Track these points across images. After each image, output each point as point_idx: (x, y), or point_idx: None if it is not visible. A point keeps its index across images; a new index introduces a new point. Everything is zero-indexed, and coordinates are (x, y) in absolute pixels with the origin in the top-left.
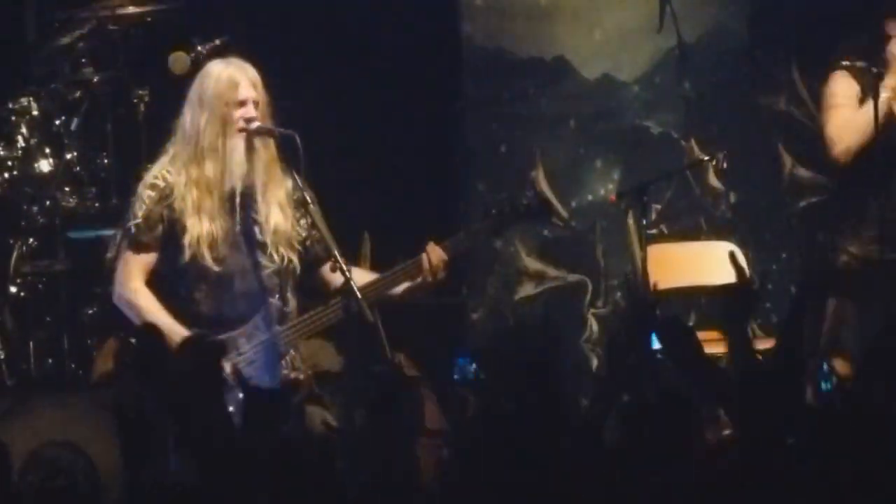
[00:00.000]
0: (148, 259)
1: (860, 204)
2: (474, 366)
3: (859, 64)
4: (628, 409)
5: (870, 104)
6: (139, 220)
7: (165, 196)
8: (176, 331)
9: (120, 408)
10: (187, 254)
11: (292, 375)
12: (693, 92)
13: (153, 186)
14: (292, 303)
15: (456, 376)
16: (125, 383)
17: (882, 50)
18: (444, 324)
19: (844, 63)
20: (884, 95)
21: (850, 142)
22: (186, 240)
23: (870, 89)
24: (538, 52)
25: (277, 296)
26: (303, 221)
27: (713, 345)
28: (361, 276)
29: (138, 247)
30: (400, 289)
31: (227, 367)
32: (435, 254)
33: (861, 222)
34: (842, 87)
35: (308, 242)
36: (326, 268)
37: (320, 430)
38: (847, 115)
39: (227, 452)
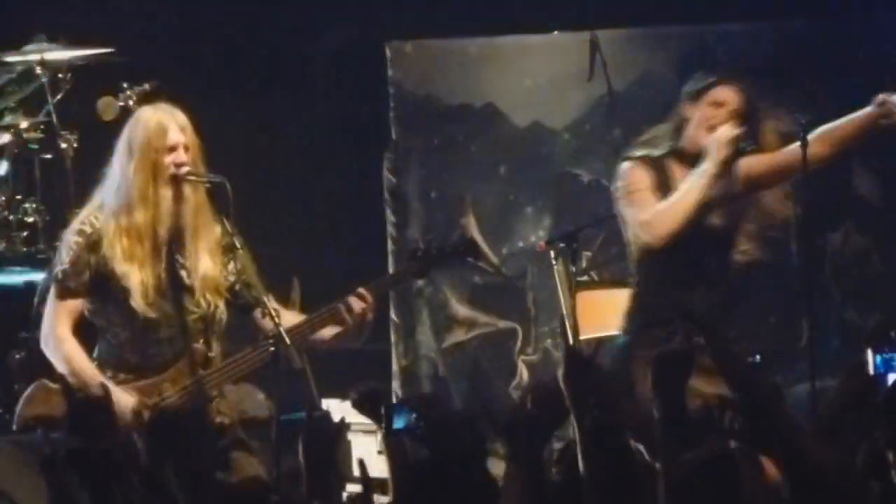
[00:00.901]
0: (75, 305)
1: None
2: (414, 415)
3: (648, 153)
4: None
5: (686, 187)
6: (66, 267)
7: (93, 242)
8: (97, 381)
9: (49, 460)
10: (115, 301)
11: (218, 420)
12: (623, 139)
13: (80, 233)
14: (217, 348)
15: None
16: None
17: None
18: (371, 370)
19: (634, 154)
20: (700, 180)
21: (668, 228)
22: (115, 288)
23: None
24: (468, 98)
25: (202, 340)
26: (231, 266)
27: None
28: (291, 319)
29: (65, 293)
30: (329, 334)
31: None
32: (360, 296)
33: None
34: (638, 177)
35: (237, 287)
36: (257, 313)
37: (247, 477)
38: (654, 202)
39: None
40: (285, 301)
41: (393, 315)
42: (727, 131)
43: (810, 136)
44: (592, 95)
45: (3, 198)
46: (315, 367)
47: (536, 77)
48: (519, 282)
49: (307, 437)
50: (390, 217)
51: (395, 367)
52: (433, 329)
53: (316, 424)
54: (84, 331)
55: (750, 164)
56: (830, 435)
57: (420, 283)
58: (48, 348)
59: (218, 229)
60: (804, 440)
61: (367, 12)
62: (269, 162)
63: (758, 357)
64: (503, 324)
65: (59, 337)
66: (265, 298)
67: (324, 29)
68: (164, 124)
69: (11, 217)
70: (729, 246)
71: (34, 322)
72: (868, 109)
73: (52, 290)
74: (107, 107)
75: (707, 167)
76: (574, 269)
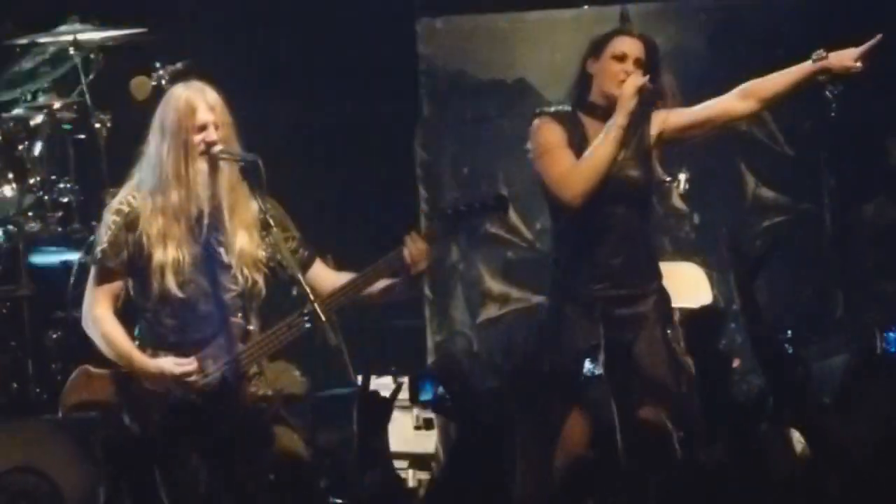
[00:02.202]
0: (114, 285)
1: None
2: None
3: (559, 108)
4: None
5: (598, 142)
6: (105, 247)
7: (131, 222)
8: (136, 357)
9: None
10: (153, 280)
11: (259, 393)
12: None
13: (118, 212)
14: (256, 323)
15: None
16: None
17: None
18: (405, 347)
19: (544, 109)
20: (610, 134)
21: (584, 187)
22: (153, 266)
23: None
24: (499, 74)
25: (241, 315)
26: (269, 241)
27: None
28: (341, 277)
29: (104, 273)
30: (378, 289)
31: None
32: (416, 242)
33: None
34: (550, 133)
35: (272, 264)
36: (314, 272)
37: (287, 451)
38: (568, 158)
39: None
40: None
41: (427, 291)
42: (632, 81)
43: (734, 91)
44: None
45: (38, 178)
46: (350, 344)
47: (567, 52)
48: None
49: (360, 408)
50: (422, 193)
51: (429, 343)
52: (467, 305)
53: (368, 396)
54: (124, 310)
55: (666, 117)
56: (844, 408)
57: (454, 258)
58: (88, 329)
59: (254, 205)
60: (827, 419)
61: None
62: (300, 139)
63: (789, 332)
64: (537, 299)
65: (98, 317)
66: (300, 277)
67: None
68: (194, 103)
69: (46, 197)
70: (645, 200)
71: (70, 302)
72: (805, 64)
73: (92, 271)
74: (140, 86)
75: (617, 120)
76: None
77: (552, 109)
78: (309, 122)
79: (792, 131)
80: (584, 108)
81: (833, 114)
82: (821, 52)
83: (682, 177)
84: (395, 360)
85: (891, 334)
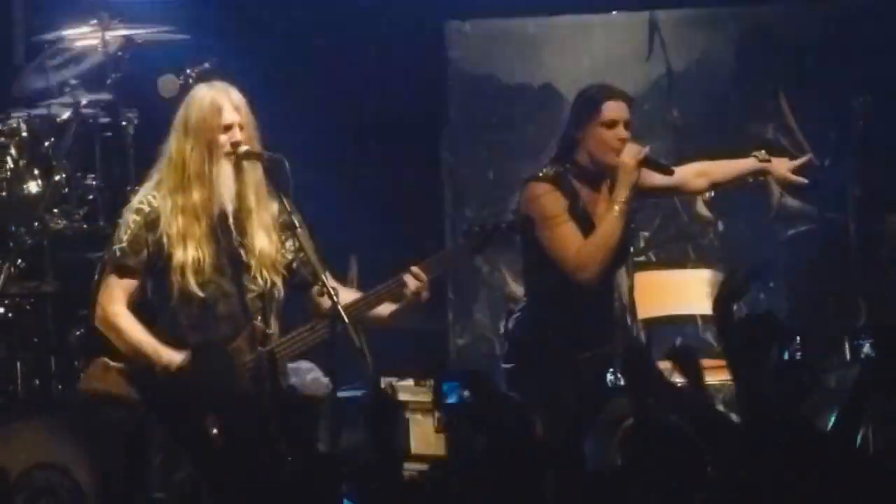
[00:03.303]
0: (131, 283)
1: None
2: (466, 392)
3: (548, 171)
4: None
5: (608, 222)
6: (124, 245)
7: (151, 221)
8: (160, 351)
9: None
10: (172, 279)
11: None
12: (681, 119)
13: (138, 211)
14: (275, 325)
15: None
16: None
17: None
18: (428, 350)
19: (538, 174)
20: (618, 209)
21: (599, 267)
22: (172, 266)
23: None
24: (526, 78)
25: (260, 318)
26: (289, 244)
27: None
28: (347, 296)
29: (122, 271)
30: (386, 312)
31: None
32: (416, 272)
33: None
34: (552, 202)
35: (295, 265)
36: (314, 290)
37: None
38: (576, 235)
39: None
40: (343, 280)
41: (450, 294)
42: (632, 152)
43: (692, 167)
44: (651, 75)
45: (64, 175)
46: (373, 347)
47: (595, 57)
48: None
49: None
50: (448, 196)
51: (451, 346)
52: (490, 308)
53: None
54: (144, 311)
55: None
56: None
57: (478, 263)
58: (103, 325)
59: (275, 207)
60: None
61: None
62: (326, 141)
63: (798, 339)
64: None
65: (113, 313)
66: (323, 276)
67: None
68: (219, 103)
69: (71, 194)
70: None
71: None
72: (748, 161)
73: (109, 268)
74: (167, 85)
75: (621, 195)
76: (632, 249)
77: (544, 173)
78: (335, 124)
79: (818, 141)
80: (573, 171)
81: (859, 122)
82: (763, 154)
83: None
84: (418, 362)
85: None
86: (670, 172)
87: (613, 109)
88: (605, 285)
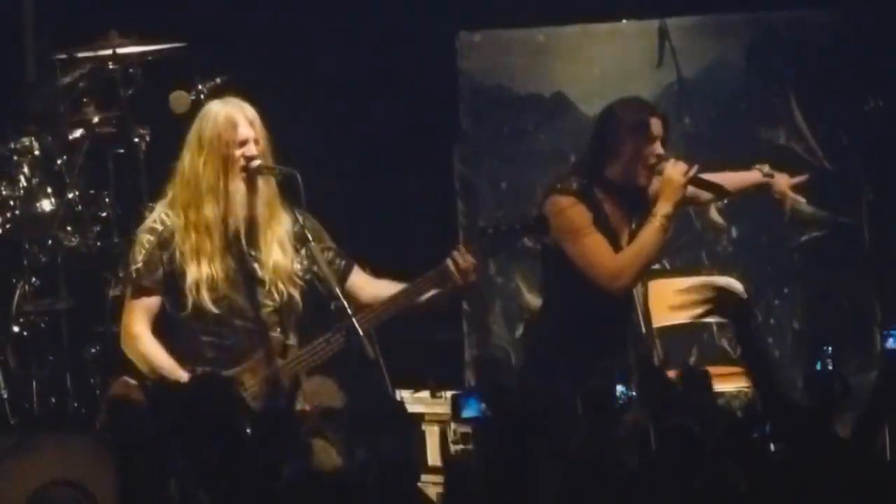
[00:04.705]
0: (150, 302)
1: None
2: (484, 405)
3: (570, 184)
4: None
5: (647, 236)
6: (139, 265)
7: (164, 240)
8: (177, 373)
9: (124, 447)
10: (188, 297)
11: (298, 408)
12: (693, 126)
13: (152, 231)
14: (294, 337)
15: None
16: (129, 424)
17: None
18: (443, 360)
19: (560, 186)
20: (658, 225)
21: (634, 278)
22: (186, 283)
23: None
24: (537, 88)
25: (279, 330)
26: (305, 254)
27: (716, 380)
28: (387, 287)
29: (140, 291)
30: (420, 299)
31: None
32: (464, 256)
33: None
34: (578, 215)
35: (309, 277)
36: (353, 280)
37: (329, 465)
38: (606, 246)
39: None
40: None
41: (464, 304)
42: (679, 170)
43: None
44: (661, 83)
45: (77, 192)
46: (388, 358)
47: (605, 65)
48: None
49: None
50: (461, 207)
51: (467, 357)
52: (505, 318)
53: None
54: (162, 326)
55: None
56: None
57: (492, 272)
58: (126, 348)
59: (289, 219)
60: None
61: (437, 2)
62: (339, 153)
63: (829, 349)
64: None
65: (135, 335)
66: (337, 290)
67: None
68: (234, 118)
69: (85, 211)
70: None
71: (108, 316)
72: (752, 174)
73: (128, 290)
74: (179, 101)
75: (663, 210)
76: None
77: (566, 185)
78: (347, 135)
79: (831, 145)
80: (599, 182)
81: (871, 127)
82: (766, 168)
83: None
84: (433, 373)
85: None
86: (722, 191)
87: (657, 126)
88: (626, 296)
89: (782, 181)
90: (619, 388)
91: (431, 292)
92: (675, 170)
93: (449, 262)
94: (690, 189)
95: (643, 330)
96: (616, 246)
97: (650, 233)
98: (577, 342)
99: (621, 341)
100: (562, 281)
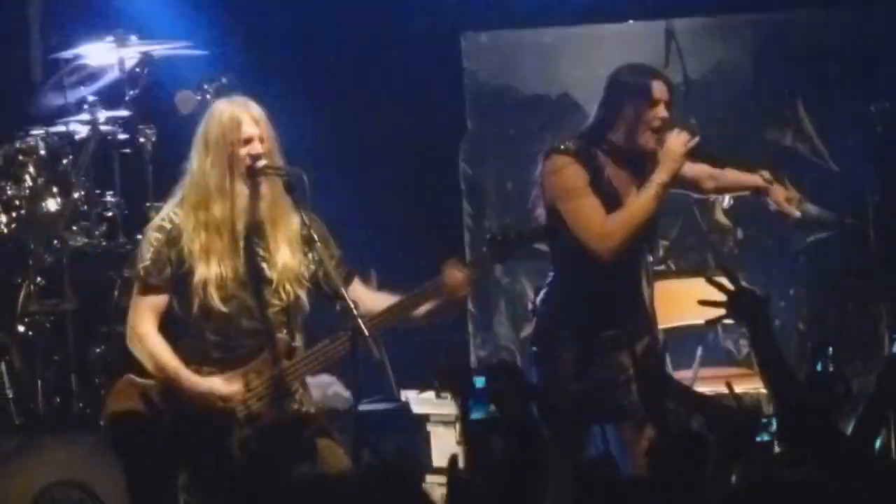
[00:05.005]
0: (158, 301)
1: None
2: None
3: (570, 145)
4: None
5: (641, 201)
6: (147, 263)
7: (173, 238)
8: (184, 375)
9: (128, 449)
10: (196, 296)
11: (303, 409)
12: (699, 128)
13: (160, 229)
14: (300, 338)
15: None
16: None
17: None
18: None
19: (559, 146)
20: (653, 191)
21: (621, 243)
22: (195, 282)
23: (636, 175)
24: (543, 88)
25: (285, 331)
26: (311, 256)
27: (721, 381)
28: (383, 300)
29: (147, 290)
30: (421, 311)
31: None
32: (456, 270)
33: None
34: (574, 175)
35: (319, 277)
36: (352, 288)
37: (336, 465)
38: (599, 209)
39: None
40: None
41: (470, 306)
42: (681, 139)
43: (706, 168)
44: None
45: (82, 192)
46: (394, 359)
47: (611, 66)
48: None
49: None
50: (467, 208)
51: (472, 358)
52: (511, 319)
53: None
54: (169, 326)
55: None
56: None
57: (497, 273)
58: (133, 346)
59: (297, 220)
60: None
61: (442, 3)
62: (344, 154)
63: (830, 350)
64: None
65: (142, 334)
66: (343, 291)
67: (401, 21)
68: (238, 117)
69: (91, 211)
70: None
71: (114, 316)
72: (754, 178)
73: (135, 288)
74: (185, 100)
75: (661, 177)
76: (651, 258)
77: (566, 146)
78: (353, 137)
79: (837, 147)
80: (602, 146)
81: (878, 129)
82: (767, 175)
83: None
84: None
85: None
86: (720, 164)
87: (659, 89)
88: (631, 265)
89: (778, 192)
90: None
91: (427, 305)
92: (676, 140)
93: (442, 275)
94: (692, 171)
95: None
96: (615, 209)
97: (644, 199)
98: (583, 309)
99: (629, 313)
100: (565, 244)
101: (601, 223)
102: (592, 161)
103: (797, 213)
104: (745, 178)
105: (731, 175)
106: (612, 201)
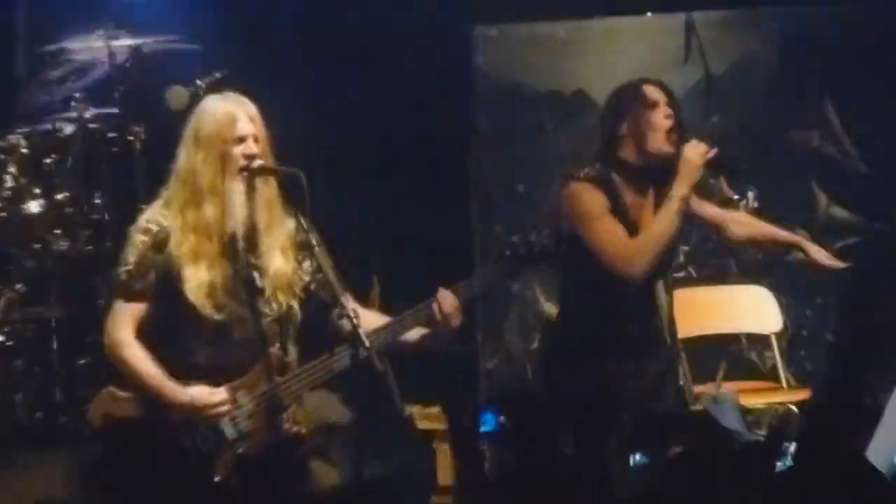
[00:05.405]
0: (140, 308)
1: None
2: (502, 417)
3: (589, 171)
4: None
5: (662, 220)
6: (130, 267)
7: (160, 241)
8: (168, 387)
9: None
10: (184, 302)
11: (294, 430)
12: (721, 127)
13: (146, 231)
14: (293, 352)
15: (483, 429)
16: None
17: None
18: (457, 373)
19: (576, 174)
20: (674, 207)
21: (648, 265)
22: (184, 288)
23: (656, 196)
24: (557, 85)
25: (277, 344)
26: (306, 265)
27: (745, 395)
28: (373, 319)
29: (129, 295)
30: (414, 337)
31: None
32: (446, 299)
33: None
34: (593, 200)
35: (312, 287)
36: (334, 314)
37: (325, 487)
38: (621, 231)
39: None
40: (365, 300)
41: (479, 315)
42: (699, 149)
43: (738, 215)
44: (688, 81)
45: (67, 193)
46: (397, 372)
47: (628, 62)
48: None
49: None
50: (476, 212)
51: (481, 369)
52: (522, 328)
53: None
54: (150, 334)
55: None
56: None
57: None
58: (111, 355)
59: (291, 225)
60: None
61: None
62: (346, 154)
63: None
64: None
65: (121, 342)
66: (343, 299)
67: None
68: (233, 114)
69: (76, 214)
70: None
71: (100, 326)
72: (791, 236)
73: (115, 293)
74: (177, 97)
75: (680, 192)
76: (670, 264)
77: (584, 173)
78: (355, 135)
79: (866, 147)
80: (616, 170)
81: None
82: (801, 240)
83: (751, 194)
84: (445, 387)
85: None
86: (736, 183)
87: (652, 91)
88: (646, 294)
89: (820, 254)
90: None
91: (417, 332)
92: (693, 150)
93: (433, 302)
94: (717, 215)
95: (668, 341)
96: (640, 230)
97: (665, 216)
98: (594, 343)
99: (644, 344)
100: (578, 273)
101: (624, 246)
102: (610, 185)
103: (842, 264)
104: (782, 235)
105: (765, 227)
106: (631, 226)
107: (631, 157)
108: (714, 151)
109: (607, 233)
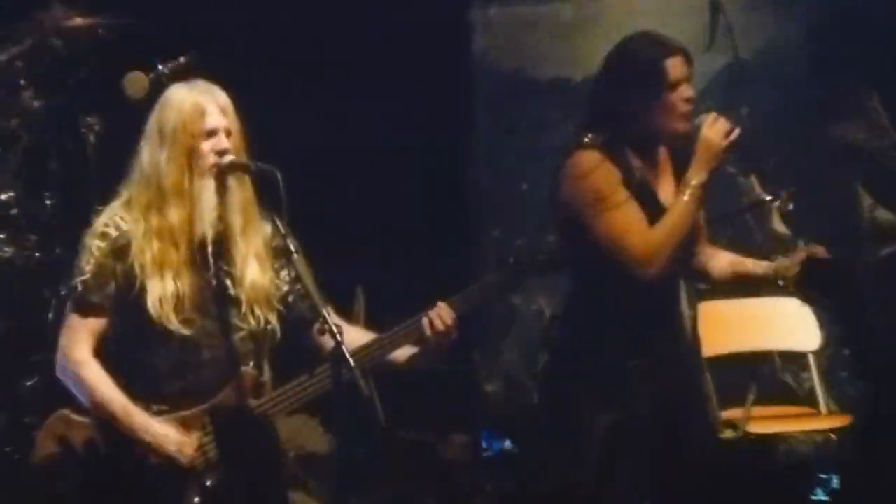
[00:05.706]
0: (97, 323)
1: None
2: (508, 441)
3: (597, 139)
4: None
5: (679, 210)
6: (87, 277)
7: (119, 248)
8: (131, 414)
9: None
10: (147, 316)
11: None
12: (751, 118)
13: (103, 236)
14: (269, 372)
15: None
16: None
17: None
18: (451, 395)
19: (586, 141)
20: (691, 196)
21: (666, 261)
22: (147, 300)
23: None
24: (565, 72)
25: (252, 363)
26: (284, 274)
27: (778, 422)
28: (358, 337)
29: (86, 309)
30: (404, 355)
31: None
32: (442, 312)
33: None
34: (606, 176)
35: (291, 299)
36: (314, 329)
37: None
38: (640, 221)
39: None
40: (348, 315)
41: (476, 328)
42: (721, 132)
43: (724, 254)
44: (713, 66)
45: (11, 194)
46: (384, 393)
47: None
48: None
49: None
50: (474, 214)
51: (479, 393)
52: (523, 347)
53: None
54: (110, 354)
55: None
56: None
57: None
58: (65, 376)
59: (268, 229)
60: None
61: None
62: (329, 151)
63: None
64: None
65: (77, 361)
66: (325, 312)
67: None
68: (202, 105)
69: (21, 217)
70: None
71: (49, 343)
72: (768, 269)
73: (70, 306)
74: (135, 84)
75: (700, 178)
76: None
77: (591, 139)
78: (340, 129)
79: None
80: (627, 141)
81: None
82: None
83: (787, 194)
84: (438, 413)
85: None
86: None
87: (677, 68)
88: (664, 280)
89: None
90: None
91: (408, 350)
92: (713, 129)
93: (424, 318)
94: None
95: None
96: (654, 210)
97: (681, 206)
98: (604, 339)
99: (663, 338)
100: (591, 262)
101: (644, 241)
102: (622, 154)
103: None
104: (758, 273)
105: (745, 269)
106: (649, 202)
107: (641, 131)
108: (737, 132)
109: (621, 224)
